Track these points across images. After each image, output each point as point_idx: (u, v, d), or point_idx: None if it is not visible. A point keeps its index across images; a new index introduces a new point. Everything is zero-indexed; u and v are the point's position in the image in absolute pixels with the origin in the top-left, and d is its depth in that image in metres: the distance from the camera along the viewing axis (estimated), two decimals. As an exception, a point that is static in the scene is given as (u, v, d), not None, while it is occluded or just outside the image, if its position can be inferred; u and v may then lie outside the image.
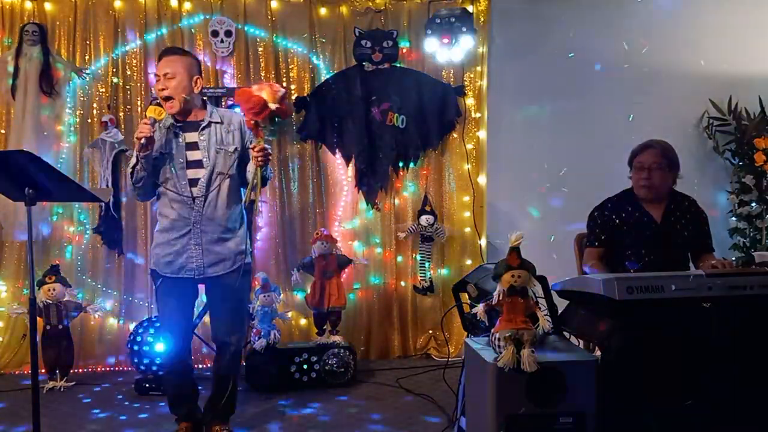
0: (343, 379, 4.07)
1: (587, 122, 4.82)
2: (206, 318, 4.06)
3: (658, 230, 3.11)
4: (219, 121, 3.09)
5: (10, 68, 4.38)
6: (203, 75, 3.16)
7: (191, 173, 3.02)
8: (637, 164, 3.08)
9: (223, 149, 3.05)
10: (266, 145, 2.92)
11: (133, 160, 2.94)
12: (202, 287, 3.22)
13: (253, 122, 2.84)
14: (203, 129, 3.05)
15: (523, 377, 2.44)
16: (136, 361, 4.00)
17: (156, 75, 3.06)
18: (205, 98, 3.21)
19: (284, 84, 4.54)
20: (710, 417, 2.56)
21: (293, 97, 4.55)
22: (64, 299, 4.11)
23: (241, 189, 3.12)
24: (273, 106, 2.80)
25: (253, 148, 2.90)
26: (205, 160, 3.02)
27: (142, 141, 2.85)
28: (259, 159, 2.88)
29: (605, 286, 2.49)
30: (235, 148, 3.07)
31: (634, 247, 3.03)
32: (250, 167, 2.98)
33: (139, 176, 2.96)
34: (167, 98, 2.99)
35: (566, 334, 2.98)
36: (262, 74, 4.57)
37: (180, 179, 3.00)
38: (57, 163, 4.42)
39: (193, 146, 3.03)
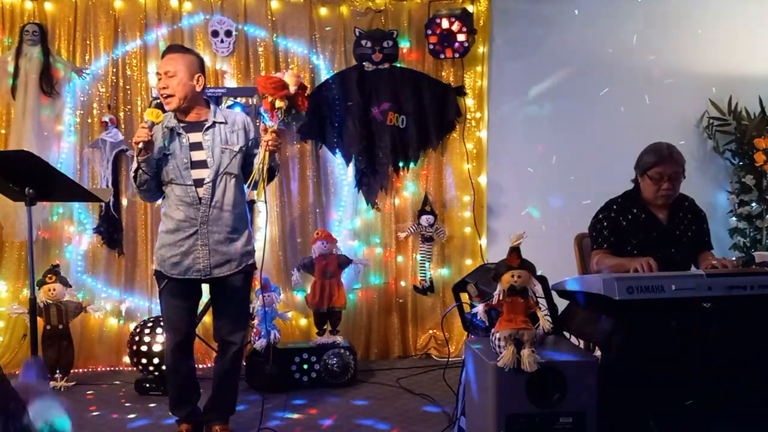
0: (343, 379, 4.07)
1: (587, 122, 4.82)
2: (206, 318, 4.07)
3: (665, 231, 3.12)
4: (223, 120, 3.08)
5: (10, 68, 4.37)
6: (205, 74, 3.15)
7: (195, 173, 3.01)
8: (656, 175, 3.07)
9: (228, 149, 3.04)
10: (278, 131, 2.90)
11: (135, 165, 2.93)
12: (205, 287, 3.22)
13: (270, 102, 2.81)
14: (207, 129, 3.04)
15: (523, 377, 2.44)
16: (136, 361, 4.00)
17: (158, 73, 3.06)
18: (207, 98, 3.20)
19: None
20: (710, 417, 2.56)
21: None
22: (64, 299, 4.11)
23: (244, 186, 3.12)
24: (292, 89, 2.79)
25: (265, 131, 2.88)
26: (209, 159, 3.02)
27: (140, 145, 2.84)
28: (270, 143, 2.87)
29: (605, 286, 2.49)
30: (240, 147, 3.06)
31: (641, 249, 3.02)
32: (257, 160, 2.96)
33: (142, 180, 2.95)
34: (168, 96, 2.99)
35: (566, 334, 2.99)
36: (263, 74, 4.57)
37: (185, 179, 3.00)
38: (57, 163, 4.41)
39: (197, 146, 3.02)
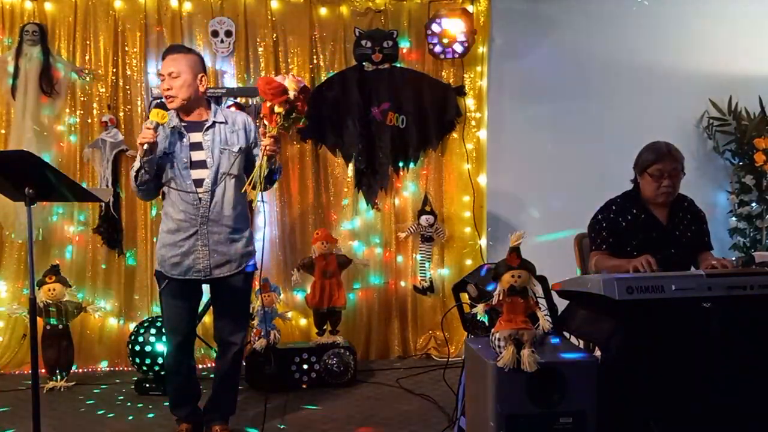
0: (343, 379, 4.07)
1: (587, 122, 4.82)
2: (206, 318, 4.07)
3: (665, 231, 3.12)
4: (224, 120, 3.08)
5: (10, 68, 4.37)
6: (207, 74, 3.15)
7: (195, 173, 3.00)
8: (656, 172, 3.07)
9: (228, 149, 3.04)
10: (277, 136, 2.88)
11: (137, 164, 2.92)
12: (205, 287, 3.22)
13: (269, 107, 2.79)
14: (207, 129, 3.04)
15: (523, 377, 2.44)
16: (136, 361, 4.00)
17: (160, 74, 3.05)
18: (208, 98, 3.19)
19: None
20: (710, 417, 2.56)
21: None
22: (64, 299, 4.11)
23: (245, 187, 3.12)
24: (292, 94, 2.76)
25: (263, 135, 2.87)
26: (209, 160, 3.01)
27: (145, 146, 2.84)
28: (268, 148, 2.86)
29: (605, 286, 2.49)
30: (240, 148, 3.05)
31: (641, 249, 3.02)
32: (256, 163, 2.94)
33: (142, 180, 2.95)
34: (171, 97, 2.99)
35: (566, 334, 2.99)
36: (262, 74, 4.57)
37: (184, 179, 3.00)
38: (57, 163, 4.42)
39: (197, 146, 3.02)
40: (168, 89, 2.99)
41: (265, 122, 2.86)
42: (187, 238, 3.01)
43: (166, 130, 3.00)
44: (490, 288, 2.86)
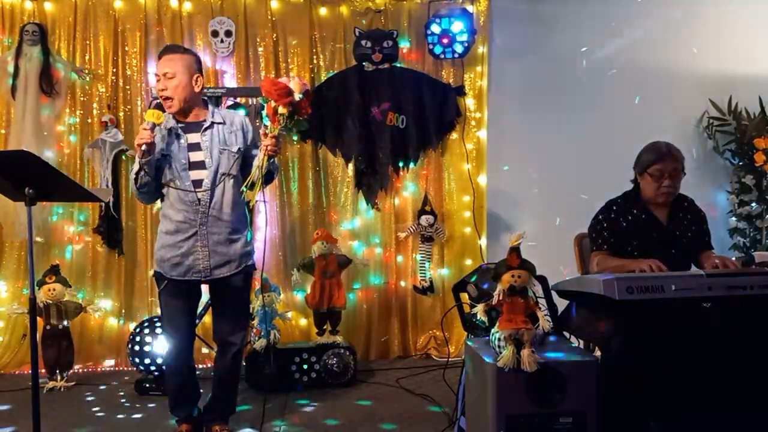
0: (343, 379, 4.07)
1: (587, 122, 4.81)
2: (206, 318, 4.07)
3: (665, 231, 3.11)
4: (221, 121, 3.07)
5: (10, 68, 4.38)
6: (203, 74, 3.14)
7: (194, 174, 3.00)
8: (656, 172, 3.07)
9: (227, 149, 3.03)
10: (278, 136, 2.88)
11: (136, 166, 2.91)
12: (204, 287, 3.22)
13: (273, 108, 2.80)
14: (206, 130, 3.04)
15: (523, 377, 2.44)
16: (136, 361, 4.00)
17: (156, 75, 3.05)
18: (205, 98, 3.19)
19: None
20: (710, 417, 2.56)
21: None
22: (64, 299, 4.11)
23: (243, 188, 3.11)
24: (297, 96, 2.77)
25: (265, 135, 2.86)
26: (207, 160, 3.01)
27: (143, 147, 2.83)
28: (269, 148, 2.86)
29: (605, 286, 2.49)
30: (239, 148, 3.05)
31: (642, 249, 3.02)
32: (256, 161, 2.94)
33: (143, 182, 2.93)
34: (167, 98, 2.99)
35: (566, 334, 2.99)
36: (262, 74, 4.58)
37: (183, 180, 2.99)
38: (57, 163, 4.42)
39: (195, 147, 3.02)
40: (163, 90, 2.98)
41: (266, 122, 2.86)
42: (187, 239, 3.01)
43: (163, 131, 2.99)
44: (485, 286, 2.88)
